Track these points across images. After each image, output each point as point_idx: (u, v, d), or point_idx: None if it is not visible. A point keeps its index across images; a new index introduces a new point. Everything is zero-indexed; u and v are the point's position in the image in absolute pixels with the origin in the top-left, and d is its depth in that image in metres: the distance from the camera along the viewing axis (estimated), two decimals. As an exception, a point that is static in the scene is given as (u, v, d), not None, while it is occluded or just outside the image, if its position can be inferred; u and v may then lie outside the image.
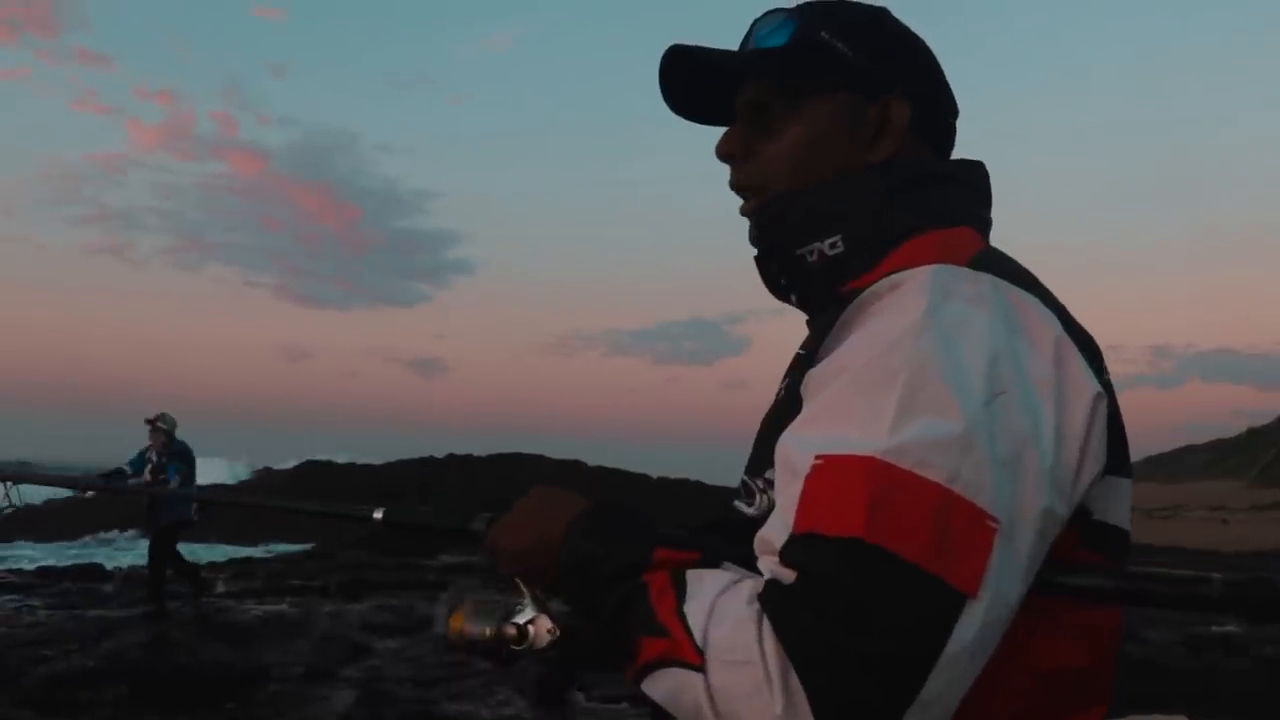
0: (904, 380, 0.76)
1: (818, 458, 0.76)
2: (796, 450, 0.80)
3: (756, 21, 1.07)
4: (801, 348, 1.01)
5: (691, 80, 1.10)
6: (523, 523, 0.96)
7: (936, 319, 0.80)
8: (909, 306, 0.82)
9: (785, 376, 1.00)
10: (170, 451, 9.30)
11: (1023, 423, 0.77)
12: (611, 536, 0.87)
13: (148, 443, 9.44)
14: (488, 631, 0.94)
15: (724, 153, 1.08)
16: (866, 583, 0.70)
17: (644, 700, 0.84)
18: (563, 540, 0.89)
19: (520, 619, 0.94)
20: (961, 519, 0.72)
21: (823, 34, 1.02)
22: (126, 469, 9.34)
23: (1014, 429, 0.76)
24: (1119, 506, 0.88)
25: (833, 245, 0.99)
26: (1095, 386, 0.83)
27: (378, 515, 1.17)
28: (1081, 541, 0.83)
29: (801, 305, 1.07)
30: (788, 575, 0.73)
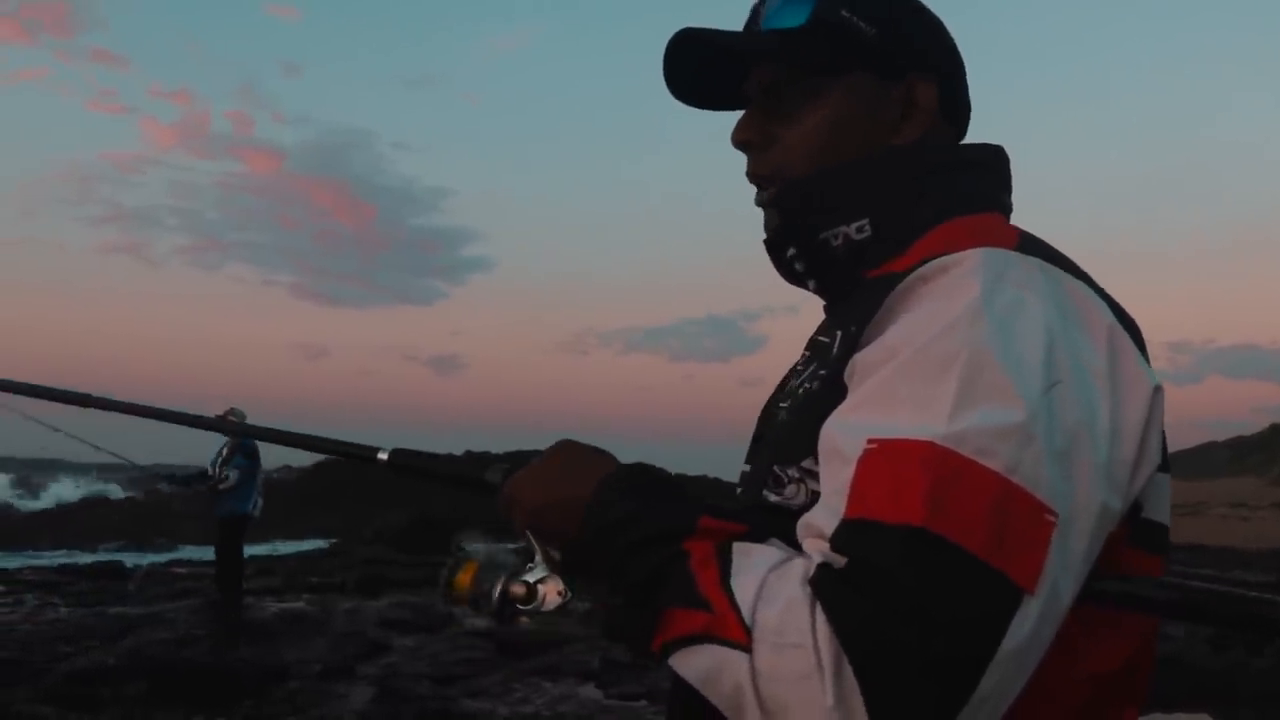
0: (962, 366, 0.73)
1: (870, 441, 0.73)
2: (845, 435, 0.77)
3: (764, 0, 1.02)
4: (821, 334, 0.98)
5: (698, 65, 1.05)
6: (548, 476, 0.90)
7: (992, 304, 0.77)
8: (962, 290, 0.79)
9: (807, 363, 0.97)
10: (237, 446, 9.30)
11: (1078, 414, 0.74)
12: (651, 498, 0.82)
13: (223, 439, 9.43)
14: (494, 588, 0.90)
15: (741, 140, 1.03)
16: (928, 575, 0.67)
17: (663, 696, 0.82)
18: (593, 497, 0.85)
19: (530, 577, 0.90)
20: (1021, 511, 0.69)
21: (843, 12, 0.98)
22: (209, 469, 9.28)
23: (1070, 420, 0.73)
24: (1163, 503, 0.85)
25: (860, 229, 0.95)
26: (1152, 380, 0.80)
27: (383, 456, 1.12)
28: (1130, 539, 0.81)
29: (820, 291, 1.03)
30: (839, 560, 0.70)
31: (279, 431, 1.32)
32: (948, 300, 0.79)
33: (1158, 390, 0.79)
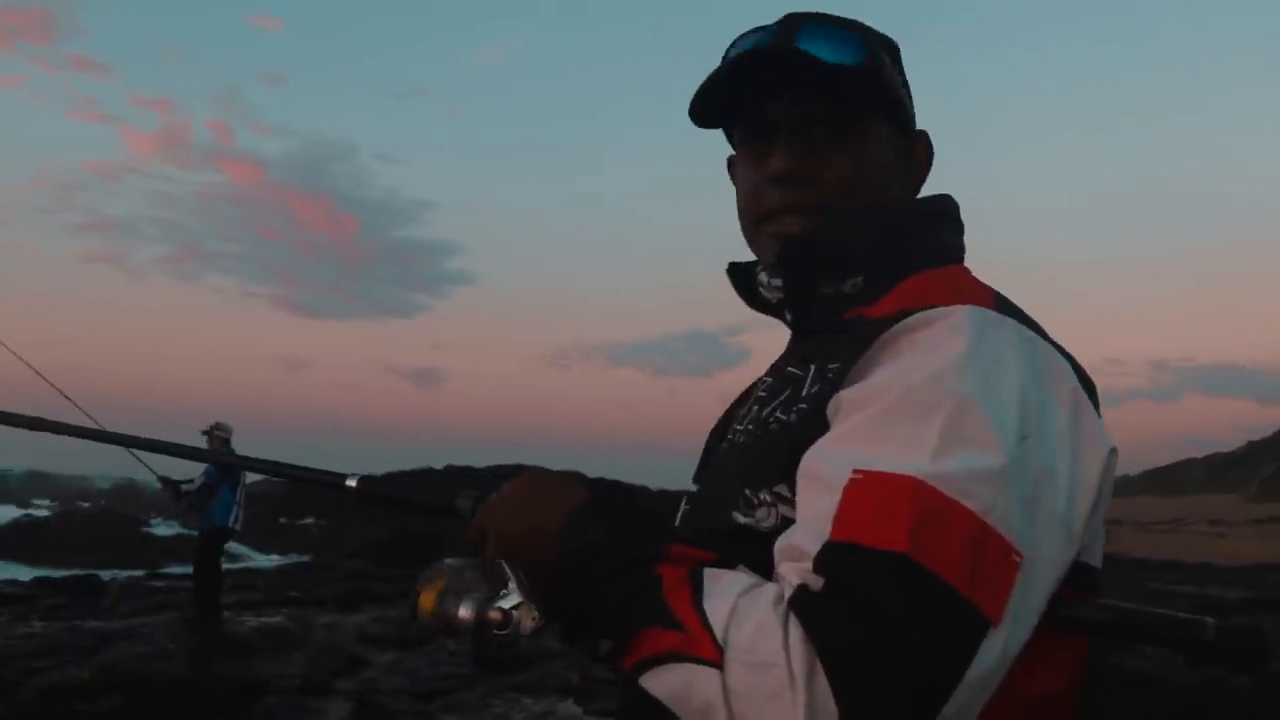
0: (948, 412, 0.78)
1: (856, 472, 0.77)
2: (829, 464, 0.80)
3: (800, 26, 1.01)
4: (793, 365, 1.01)
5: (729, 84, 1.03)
6: (520, 504, 0.93)
7: (976, 358, 0.82)
8: (949, 343, 0.84)
9: (774, 392, 1.00)
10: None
11: (1042, 467, 0.79)
12: (623, 525, 0.86)
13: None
14: (465, 611, 0.91)
15: (788, 170, 1.01)
16: (909, 600, 0.70)
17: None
18: (565, 526, 0.88)
19: (505, 604, 0.90)
20: (993, 550, 0.74)
21: (887, 59, 1.03)
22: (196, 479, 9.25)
23: (1035, 472, 0.79)
24: (1098, 547, 0.91)
25: (853, 285, 0.99)
26: (1109, 443, 0.85)
27: (351, 483, 1.13)
28: (1069, 579, 0.85)
29: (792, 324, 1.07)
30: (818, 581, 0.73)
31: (245, 458, 1.32)
32: (935, 351, 0.84)
33: (1113, 452, 0.85)
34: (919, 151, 1.06)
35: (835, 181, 1.01)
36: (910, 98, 1.08)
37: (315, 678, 7.98)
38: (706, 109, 1.07)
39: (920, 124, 1.10)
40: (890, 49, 1.06)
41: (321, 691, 7.70)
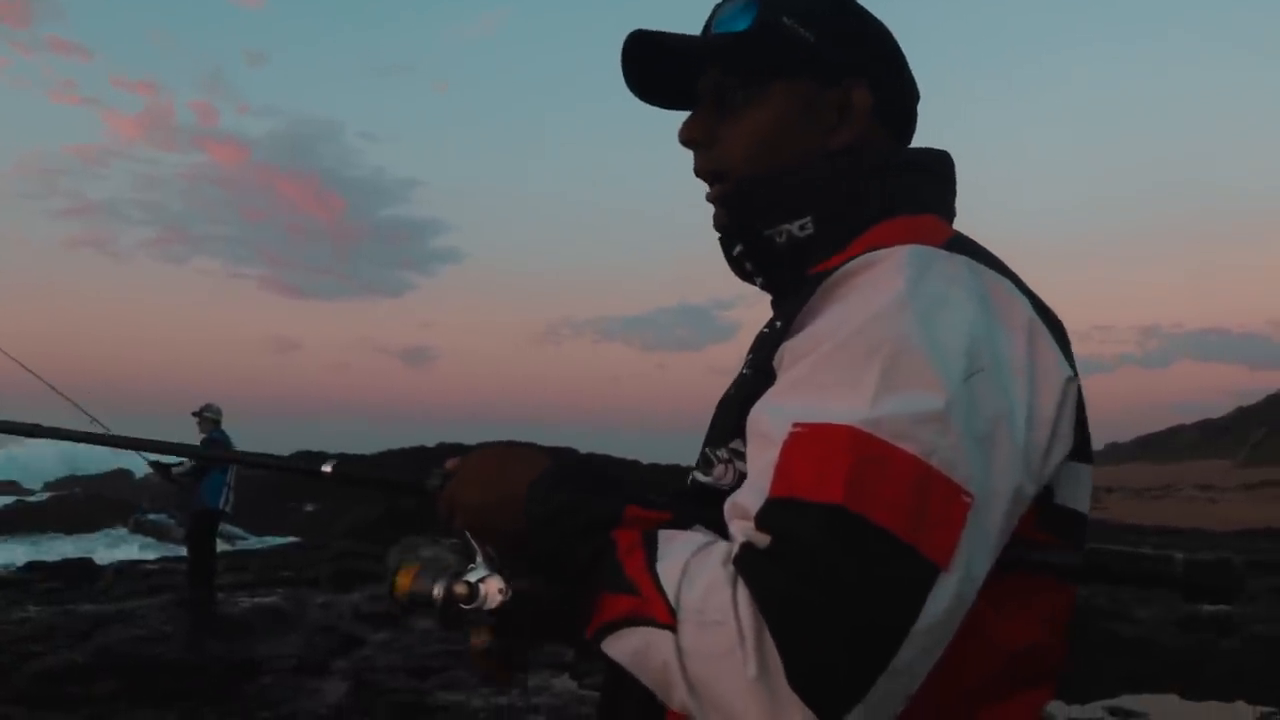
0: (886, 355, 0.77)
1: (796, 425, 0.76)
2: (772, 418, 0.80)
3: (719, 5, 1.07)
4: (766, 326, 1.01)
5: (657, 65, 1.09)
6: (484, 477, 0.95)
7: (916, 296, 0.80)
8: (888, 283, 0.82)
9: (750, 353, 1.00)
10: (206, 440, 9.26)
11: (997, 401, 0.78)
12: (581, 491, 0.87)
13: (200, 435, 9.42)
14: (437, 590, 0.92)
15: (686, 138, 1.08)
16: (847, 550, 0.70)
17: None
18: (530, 493, 0.89)
19: (471, 577, 0.92)
20: (938, 493, 0.72)
21: (785, 19, 1.02)
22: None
23: (989, 407, 0.77)
24: (1079, 491, 0.89)
25: (802, 227, 0.99)
26: (1067, 371, 0.84)
27: (326, 468, 1.15)
28: (1039, 523, 0.84)
29: (767, 287, 1.07)
30: (763, 539, 0.73)
31: (217, 454, 1.33)
32: (874, 292, 0.82)
33: (1070, 380, 0.84)
34: (855, 100, 1.03)
35: (724, 144, 1.05)
36: (852, 48, 1.04)
37: (311, 657, 8.00)
38: (644, 92, 1.13)
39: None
40: (808, 5, 1.04)
41: (317, 671, 7.72)
